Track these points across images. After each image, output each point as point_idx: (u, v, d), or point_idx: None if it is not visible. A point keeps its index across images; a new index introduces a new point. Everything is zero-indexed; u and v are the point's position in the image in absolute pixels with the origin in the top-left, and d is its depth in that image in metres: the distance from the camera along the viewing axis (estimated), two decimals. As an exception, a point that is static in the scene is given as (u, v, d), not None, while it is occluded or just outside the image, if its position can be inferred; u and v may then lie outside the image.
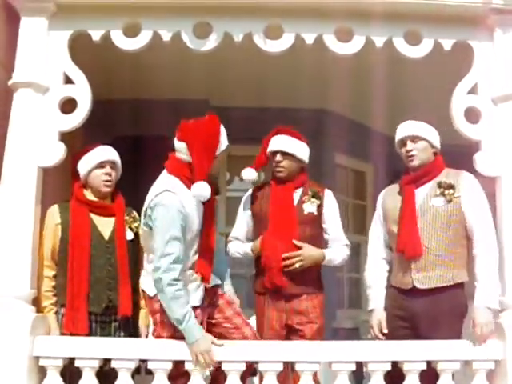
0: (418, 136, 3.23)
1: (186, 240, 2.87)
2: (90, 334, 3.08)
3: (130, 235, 3.23)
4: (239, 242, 3.55)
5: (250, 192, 3.58)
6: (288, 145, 3.42)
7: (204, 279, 2.96)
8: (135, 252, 3.26)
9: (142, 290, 3.06)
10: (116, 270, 3.14)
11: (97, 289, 3.11)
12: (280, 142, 3.43)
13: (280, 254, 3.29)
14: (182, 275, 2.86)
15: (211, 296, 3.09)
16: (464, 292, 3.13)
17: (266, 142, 3.49)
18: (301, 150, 3.45)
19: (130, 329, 3.21)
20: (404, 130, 3.28)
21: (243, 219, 3.55)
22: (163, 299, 2.83)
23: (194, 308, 2.90)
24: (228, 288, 3.75)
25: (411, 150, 3.22)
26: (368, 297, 3.34)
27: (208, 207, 2.99)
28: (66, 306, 3.08)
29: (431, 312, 3.06)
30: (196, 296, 2.97)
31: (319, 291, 3.42)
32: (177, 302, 2.80)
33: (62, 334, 3.09)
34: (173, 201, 2.83)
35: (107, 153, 3.30)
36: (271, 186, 3.50)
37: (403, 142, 3.26)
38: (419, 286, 3.10)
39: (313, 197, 3.43)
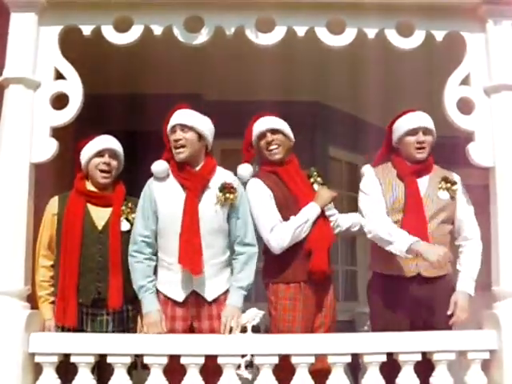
0: (429, 129, 3.26)
1: (157, 221, 3.08)
2: (81, 326, 3.07)
3: (126, 226, 3.18)
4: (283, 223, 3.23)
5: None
6: (275, 122, 3.37)
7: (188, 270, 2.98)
8: None
9: None
10: (107, 261, 3.09)
11: (86, 279, 3.08)
12: (265, 122, 3.37)
13: (326, 236, 3.22)
14: (162, 254, 3.08)
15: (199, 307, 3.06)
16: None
17: (248, 134, 3.42)
18: (286, 126, 3.39)
19: (125, 323, 3.16)
20: (420, 120, 3.26)
21: (271, 205, 3.26)
22: None
23: (174, 303, 3.04)
24: None
25: (424, 142, 3.23)
26: (392, 241, 3.05)
27: (187, 198, 3.04)
28: (57, 297, 3.07)
29: (435, 299, 3.12)
30: (176, 289, 3.04)
31: None
32: (135, 272, 3.03)
33: (56, 325, 3.08)
34: (148, 182, 3.14)
35: (106, 141, 3.27)
36: (278, 170, 3.32)
37: (415, 132, 3.23)
38: (425, 274, 3.12)
39: (311, 177, 3.43)
